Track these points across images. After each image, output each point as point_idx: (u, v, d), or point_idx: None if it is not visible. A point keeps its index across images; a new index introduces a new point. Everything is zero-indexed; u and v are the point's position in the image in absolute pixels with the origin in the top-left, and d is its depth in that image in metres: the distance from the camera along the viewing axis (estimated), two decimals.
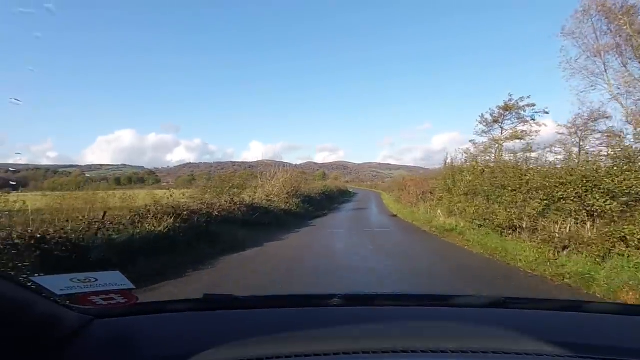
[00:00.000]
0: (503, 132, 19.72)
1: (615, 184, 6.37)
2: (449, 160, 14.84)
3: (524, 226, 8.14)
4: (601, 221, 6.57)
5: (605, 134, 13.47)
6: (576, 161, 8.52)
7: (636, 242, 5.57)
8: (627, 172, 6.37)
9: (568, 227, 6.96)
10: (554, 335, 1.02)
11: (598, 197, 6.62)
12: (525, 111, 18.78)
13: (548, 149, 13.83)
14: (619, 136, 11.95)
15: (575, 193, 7.05)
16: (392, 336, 0.99)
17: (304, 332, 1.01)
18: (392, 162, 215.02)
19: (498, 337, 1.01)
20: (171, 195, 10.18)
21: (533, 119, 18.52)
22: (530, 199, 8.33)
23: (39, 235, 4.95)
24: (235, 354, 0.90)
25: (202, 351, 0.90)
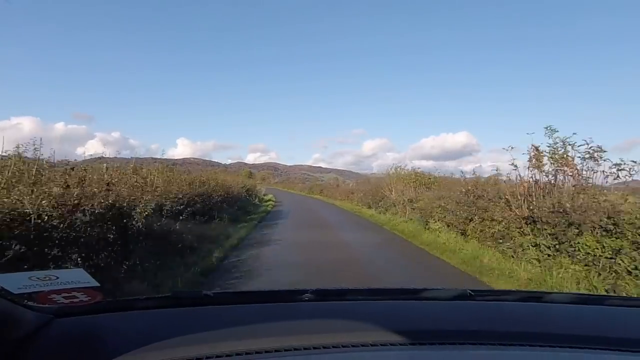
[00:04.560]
0: None
1: None
2: None
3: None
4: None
5: None
6: None
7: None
8: None
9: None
10: (517, 325, 1.07)
11: None
12: None
13: None
14: None
15: None
16: (364, 330, 1.00)
17: (275, 327, 1.01)
18: (324, 165, 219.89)
19: (466, 328, 1.04)
20: None
21: None
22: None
23: None
24: (204, 350, 0.88)
25: (170, 348, 0.88)
